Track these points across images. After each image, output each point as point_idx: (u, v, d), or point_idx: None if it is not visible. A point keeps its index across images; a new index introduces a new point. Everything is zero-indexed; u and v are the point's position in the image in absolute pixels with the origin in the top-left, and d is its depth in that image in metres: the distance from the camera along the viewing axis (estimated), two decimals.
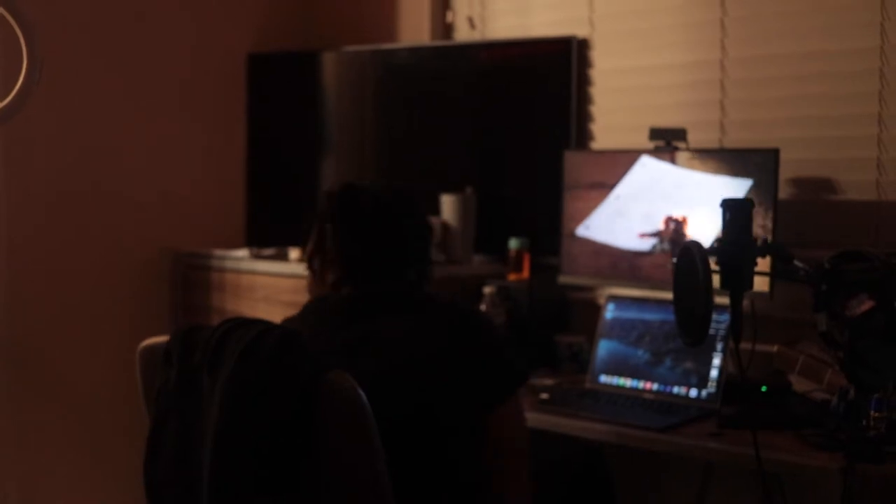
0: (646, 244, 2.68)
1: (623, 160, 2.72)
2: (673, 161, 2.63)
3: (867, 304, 1.90)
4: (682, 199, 2.61)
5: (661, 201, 2.65)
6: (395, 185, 2.13)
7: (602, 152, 2.93)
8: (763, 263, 2.06)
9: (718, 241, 2.02)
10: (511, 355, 2.07)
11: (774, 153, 2.48)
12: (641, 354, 2.58)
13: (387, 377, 1.90)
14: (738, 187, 2.47)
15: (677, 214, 2.63)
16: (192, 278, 3.37)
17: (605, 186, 2.74)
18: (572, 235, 2.81)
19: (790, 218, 2.56)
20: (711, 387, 2.43)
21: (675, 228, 2.63)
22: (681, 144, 2.68)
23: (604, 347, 2.65)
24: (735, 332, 1.98)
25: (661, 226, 2.65)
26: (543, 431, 2.38)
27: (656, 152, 2.67)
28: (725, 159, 2.55)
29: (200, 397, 1.82)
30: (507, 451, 2.04)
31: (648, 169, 2.67)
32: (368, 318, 2.00)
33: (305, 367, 1.73)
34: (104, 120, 3.26)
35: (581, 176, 2.79)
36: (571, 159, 2.84)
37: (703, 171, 2.56)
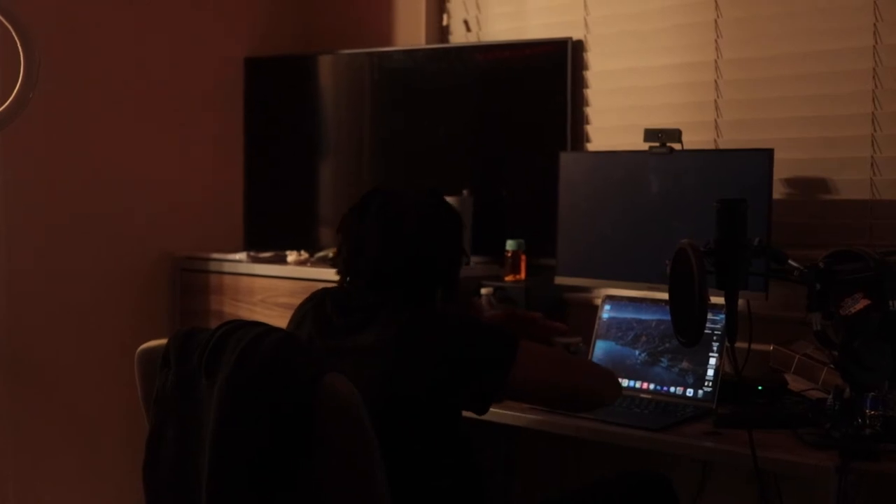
0: None
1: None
2: None
3: (862, 304, 1.92)
4: None
5: None
6: (417, 191, 2.15)
7: (598, 153, 2.94)
8: (758, 263, 2.08)
9: (713, 241, 2.03)
10: (489, 333, 2.06)
11: (769, 153, 2.50)
12: (638, 354, 2.59)
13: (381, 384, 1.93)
14: None
15: None
16: (190, 282, 3.38)
17: None
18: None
19: (784, 218, 2.57)
20: (708, 386, 2.44)
21: None
22: (675, 145, 2.69)
23: (601, 348, 2.66)
24: (730, 331, 1.99)
25: None
26: (540, 432, 2.39)
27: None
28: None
29: (198, 400, 1.83)
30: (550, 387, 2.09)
31: None
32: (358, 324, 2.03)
33: (303, 369, 1.74)
34: (102, 125, 3.27)
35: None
36: (567, 160, 2.86)
37: None
